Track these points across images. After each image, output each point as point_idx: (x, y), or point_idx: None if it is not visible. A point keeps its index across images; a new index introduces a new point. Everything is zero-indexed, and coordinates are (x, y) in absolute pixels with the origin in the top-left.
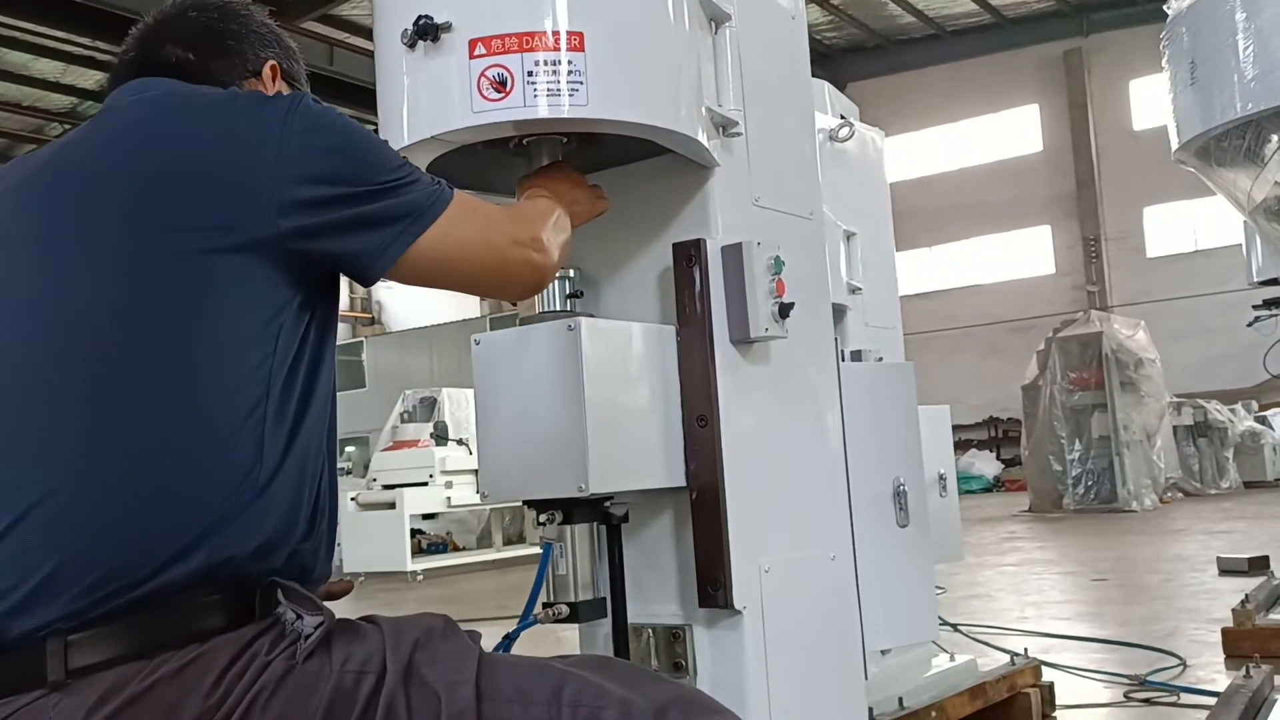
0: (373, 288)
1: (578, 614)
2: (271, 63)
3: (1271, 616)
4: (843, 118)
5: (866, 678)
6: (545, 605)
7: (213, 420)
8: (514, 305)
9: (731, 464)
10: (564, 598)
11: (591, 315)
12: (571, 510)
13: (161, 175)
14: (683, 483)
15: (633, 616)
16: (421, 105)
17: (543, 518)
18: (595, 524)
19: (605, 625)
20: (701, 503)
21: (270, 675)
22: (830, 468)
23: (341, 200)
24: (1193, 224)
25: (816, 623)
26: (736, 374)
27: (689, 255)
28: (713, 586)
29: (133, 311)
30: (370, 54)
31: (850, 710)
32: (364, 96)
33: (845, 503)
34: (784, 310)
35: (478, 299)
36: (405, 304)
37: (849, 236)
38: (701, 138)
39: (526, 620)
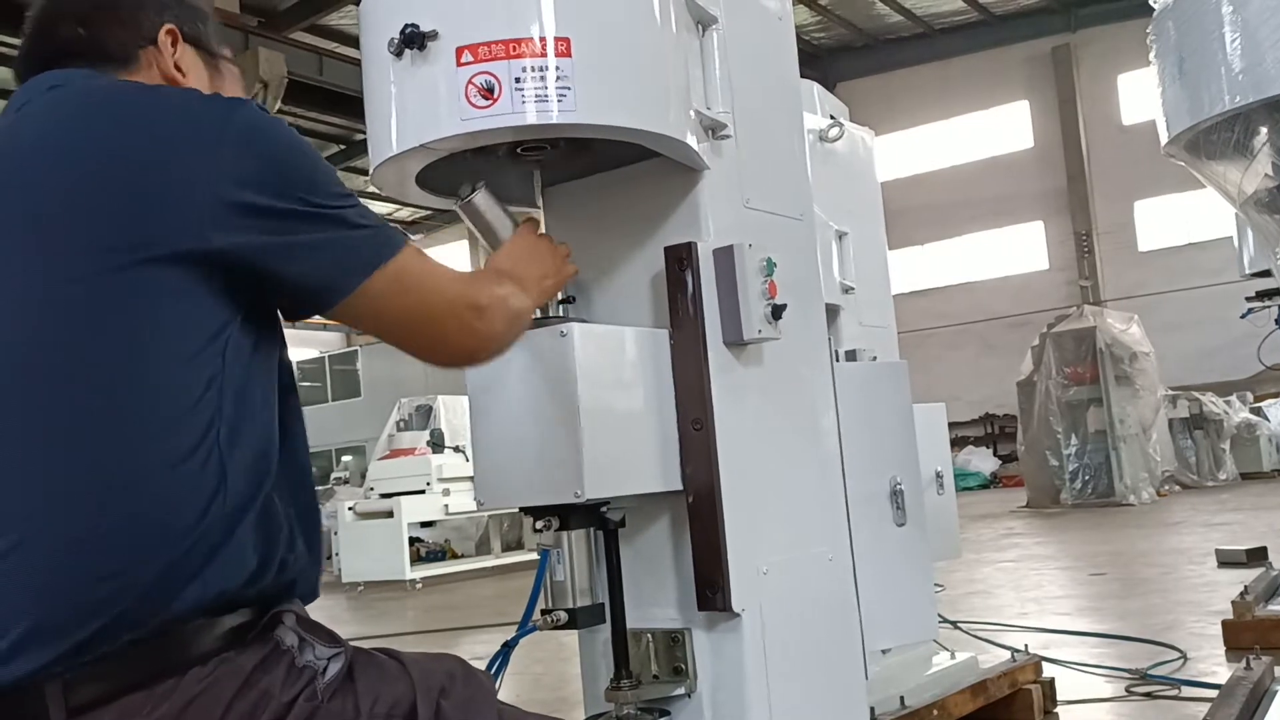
0: None
1: (576, 620)
2: (168, 26)
3: (1271, 607)
4: (832, 118)
5: (867, 677)
6: (544, 612)
7: (163, 447)
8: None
9: (727, 466)
10: (562, 604)
11: (584, 320)
12: (568, 516)
13: (84, 185)
14: (679, 486)
15: (631, 621)
16: (410, 114)
17: (539, 524)
18: (592, 529)
19: (604, 631)
20: (698, 506)
21: (296, 717)
22: (826, 468)
23: (281, 214)
24: (1184, 217)
25: (816, 624)
26: (730, 376)
27: (681, 258)
28: (711, 589)
29: (61, 338)
30: (360, 63)
31: (851, 710)
32: (354, 106)
33: (842, 503)
34: (777, 312)
35: None
36: None
37: (841, 236)
38: (691, 141)
39: (525, 627)
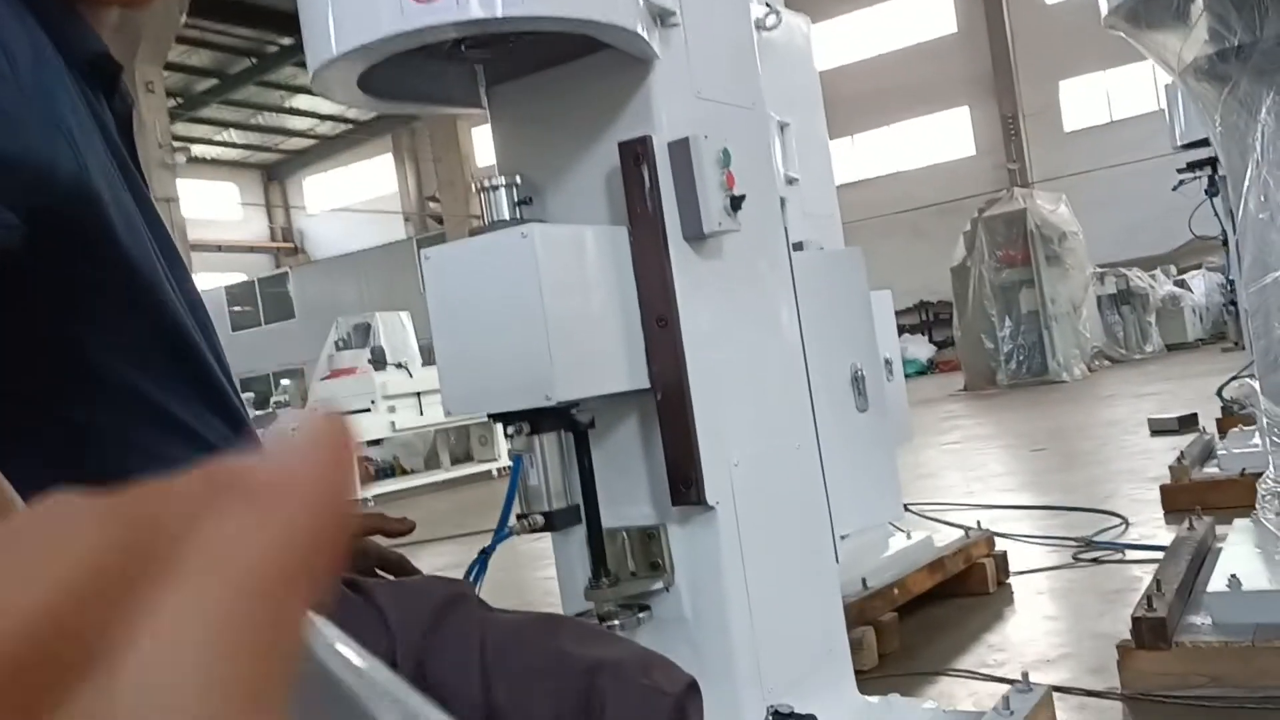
0: (294, 215)
1: (553, 522)
2: None
3: (1207, 470)
4: (768, 5)
5: (838, 561)
6: (520, 516)
7: None
8: (439, 224)
9: (694, 362)
10: (538, 508)
11: (542, 221)
12: (539, 420)
13: None
14: (646, 385)
15: (607, 521)
16: (347, 13)
17: (510, 430)
18: (563, 432)
19: (580, 531)
20: (668, 402)
21: None
22: (789, 358)
23: None
24: (1107, 95)
25: (787, 512)
26: (692, 272)
27: (636, 153)
28: (684, 484)
29: None
30: None
31: (825, 594)
32: (266, 17)
33: (806, 392)
34: (736, 203)
35: (403, 220)
36: (328, 231)
37: (783, 127)
38: (640, 30)
39: (502, 533)
